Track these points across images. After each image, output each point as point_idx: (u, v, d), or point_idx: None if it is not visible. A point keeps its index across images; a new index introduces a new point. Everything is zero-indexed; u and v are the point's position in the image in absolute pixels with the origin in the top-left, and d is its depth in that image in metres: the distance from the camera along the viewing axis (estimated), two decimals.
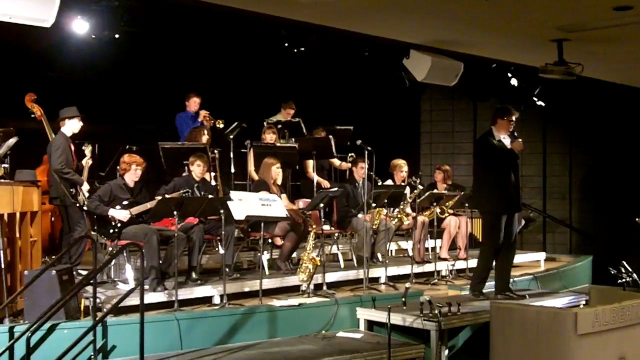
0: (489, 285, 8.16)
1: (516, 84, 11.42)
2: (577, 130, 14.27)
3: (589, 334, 4.50)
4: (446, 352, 6.94)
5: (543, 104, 12.36)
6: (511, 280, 8.37)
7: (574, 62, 8.91)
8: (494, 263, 8.07)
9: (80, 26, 8.62)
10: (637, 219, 8.46)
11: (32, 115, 8.34)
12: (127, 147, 8.84)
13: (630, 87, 12.52)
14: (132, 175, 7.64)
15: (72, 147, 7.96)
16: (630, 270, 7.55)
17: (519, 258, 10.92)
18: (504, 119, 7.90)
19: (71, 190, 7.69)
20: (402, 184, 9.94)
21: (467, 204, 9.66)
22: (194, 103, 10.15)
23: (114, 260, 7.52)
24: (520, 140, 7.90)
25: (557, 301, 8.07)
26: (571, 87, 10.93)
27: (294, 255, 8.74)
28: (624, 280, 7.49)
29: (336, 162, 11.02)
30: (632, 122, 13.94)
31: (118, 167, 8.02)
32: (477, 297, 7.93)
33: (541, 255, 11.51)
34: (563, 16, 7.90)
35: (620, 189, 13.91)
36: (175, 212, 6.99)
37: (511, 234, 7.98)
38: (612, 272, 7.69)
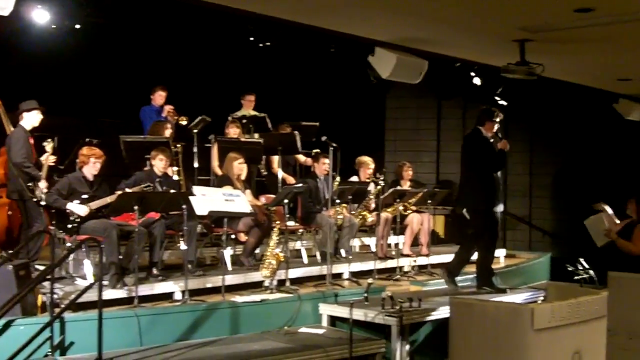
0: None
1: (479, 83, 11.51)
2: (538, 129, 14.44)
3: (546, 328, 4.56)
4: (407, 347, 6.99)
5: (505, 103, 12.46)
6: (471, 276, 8.49)
7: (535, 63, 9.01)
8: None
9: (40, 15, 8.49)
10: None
11: None
12: (88, 140, 8.72)
13: (590, 87, 12.69)
14: (91, 169, 7.54)
15: (32, 141, 7.84)
16: (587, 267, 7.67)
17: None
18: (492, 120, 8.09)
19: (29, 184, 7.56)
20: (367, 180, 9.99)
21: (429, 201, 9.72)
22: (159, 97, 10.06)
23: (72, 256, 7.41)
24: (505, 140, 8.13)
25: (516, 297, 8.19)
26: (532, 87, 11.04)
27: (258, 251, 8.73)
28: (581, 276, 7.61)
29: (301, 158, 11.03)
30: (591, 123, 14.15)
31: (77, 161, 7.91)
32: (492, 291, 8.07)
33: (501, 252, 11.62)
34: (525, 17, 7.98)
35: (579, 188, 14.12)
36: (136, 207, 6.92)
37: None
38: (570, 269, 7.81)
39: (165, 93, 10.09)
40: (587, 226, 8.94)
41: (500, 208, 8.15)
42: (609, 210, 8.85)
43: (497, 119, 8.11)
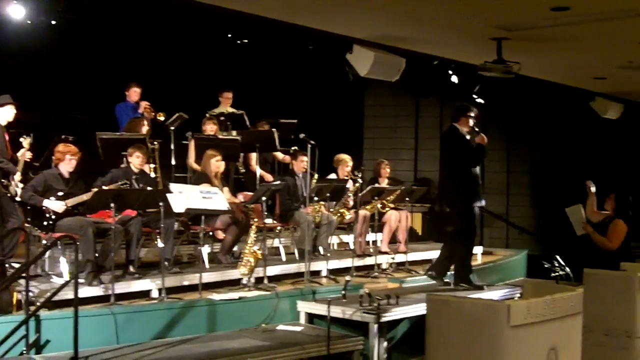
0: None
1: (457, 81, 11.55)
2: (515, 127, 14.53)
3: (522, 325, 4.59)
4: (385, 344, 7.01)
5: (482, 102, 12.52)
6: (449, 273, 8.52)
7: (512, 61, 9.06)
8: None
9: (16, 11, 8.42)
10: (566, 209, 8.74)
11: None
12: (63, 137, 8.65)
13: (567, 86, 12.79)
14: (67, 166, 7.47)
15: (7, 137, 7.75)
16: (563, 264, 7.74)
17: None
18: (466, 115, 8.11)
19: (2, 180, 7.47)
20: (345, 178, 9.99)
21: (407, 199, 9.75)
22: (134, 93, 9.98)
23: (48, 253, 7.34)
24: (482, 134, 8.13)
25: (492, 294, 8.23)
26: (510, 85, 11.11)
27: (236, 248, 8.70)
28: (557, 273, 7.67)
29: (279, 155, 11.01)
30: (568, 121, 14.27)
31: (53, 158, 7.84)
32: (470, 288, 8.09)
33: (479, 249, 11.68)
34: (502, 15, 8.02)
35: (556, 186, 14.23)
36: (112, 204, 6.88)
37: None
38: (546, 266, 7.87)
39: (140, 89, 10.01)
40: (568, 213, 8.97)
41: (481, 203, 8.19)
42: (593, 189, 8.89)
43: (472, 114, 8.13)
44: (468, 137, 8.14)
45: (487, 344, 4.63)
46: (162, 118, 9.85)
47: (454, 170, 8.15)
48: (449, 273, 8.36)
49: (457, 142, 8.09)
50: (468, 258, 8.33)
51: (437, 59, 10.86)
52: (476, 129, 8.10)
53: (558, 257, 7.77)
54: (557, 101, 13.72)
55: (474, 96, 12.30)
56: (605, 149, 14.81)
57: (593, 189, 8.89)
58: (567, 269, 7.67)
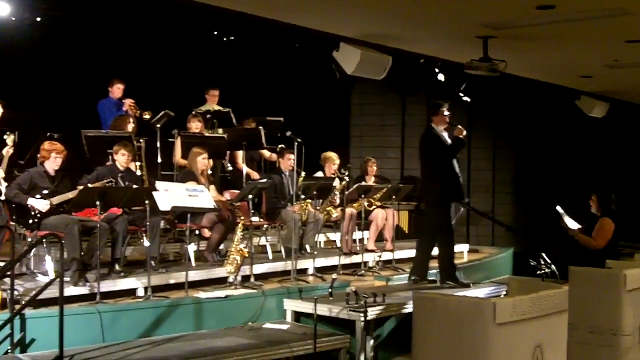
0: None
1: (443, 80, 11.58)
2: (501, 125, 14.56)
3: (507, 323, 4.59)
4: (371, 342, 7.02)
5: (469, 100, 12.55)
6: (434, 271, 8.55)
7: (498, 59, 9.09)
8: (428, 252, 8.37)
9: (0, 8, 8.35)
10: (557, 207, 8.72)
11: None
12: (49, 134, 8.60)
13: (552, 84, 12.84)
14: (52, 164, 7.43)
15: None
16: (549, 261, 7.74)
17: None
18: (437, 114, 8.17)
19: None
20: (332, 176, 10.00)
21: (394, 197, 9.76)
22: (117, 90, 9.91)
23: (33, 251, 7.31)
24: (459, 126, 8.22)
25: (478, 291, 8.27)
26: (496, 84, 11.14)
27: (222, 246, 8.69)
28: (543, 271, 7.68)
29: (266, 153, 11.01)
30: (554, 119, 14.32)
31: (38, 155, 7.79)
32: (456, 285, 8.14)
33: (465, 247, 11.74)
34: (488, 14, 8.05)
35: (541, 184, 14.29)
36: (98, 202, 6.84)
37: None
38: (532, 264, 7.88)
39: (123, 86, 9.94)
40: (559, 211, 8.96)
41: (464, 199, 8.25)
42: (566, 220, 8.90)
43: (444, 109, 8.20)
44: (446, 133, 8.19)
45: (473, 341, 4.64)
46: (147, 116, 9.81)
47: (431, 169, 8.21)
48: (434, 271, 8.39)
49: (430, 141, 8.17)
50: (451, 256, 8.37)
51: (423, 57, 10.88)
52: (453, 123, 8.18)
53: (544, 254, 7.78)
54: (543, 99, 13.77)
55: (461, 94, 12.34)
56: (591, 147, 14.89)
57: (566, 219, 8.84)
58: (553, 267, 7.68)
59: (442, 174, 8.16)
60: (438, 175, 8.19)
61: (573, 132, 14.55)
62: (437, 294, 5.65)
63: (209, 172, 9.12)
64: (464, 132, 8.22)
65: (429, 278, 8.42)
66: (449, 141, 8.26)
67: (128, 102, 9.83)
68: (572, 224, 8.80)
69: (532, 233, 13.79)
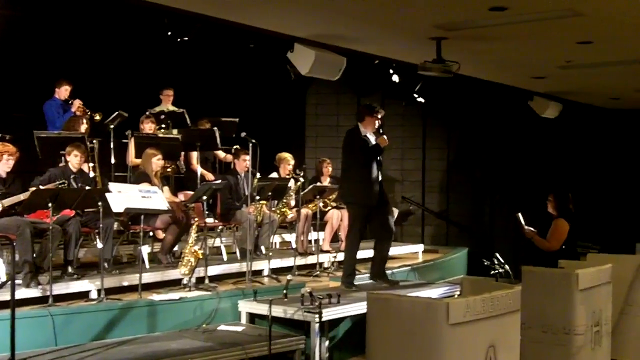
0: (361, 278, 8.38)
1: (398, 80, 11.65)
2: (455, 126, 14.71)
3: (461, 323, 4.64)
4: (326, 343, 7.04)
5: (423, 101, 12.66)
6: (390, 272, 8.58)
7: (451, 60, 9.17)
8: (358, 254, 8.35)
9: None
10: (517, 214, 8.76)
11: None
12: (0, 135, 8.46)
13: (506, 85, 13.00)
14: (4, 166, 7.30)
15: None
16: (502, 261, 7.83)
17: (398, 250, 11.22)
18: (372, 116, 8.19)
19: None
20: (287, 176, 9.99)
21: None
22: (64, 91, 9.66)
23: None
24: (384, 136, 8.18)
25: (432, 292, 8.33)
26: (450, 85, 11.25)
27: (176, 248, 8.63)
28: (496, 271, 7.76)
29: (221, 154, 10.96)
30: (507, 120, 14.51)
31: None
32: (350, 288, 8.10)
33: (419, 247, 11.83)
34: (441, 15, 8.11)
35: (495, 184, 14.47)
36: (50, 204, 6.75)
37: (385, 225, 8.28)
38: (486, 264, 7.96)
39: (70, 87, 9.73)
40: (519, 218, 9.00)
41: (374, 205, 8.18)
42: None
43: (379, 115, 8.22)
44: (372, 137, 8.19)
45: (426, 342, 4.68)
46: (98, 118, 9.67)
47: (348, 167, 8.24)
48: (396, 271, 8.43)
49: (354, 142, 8.17)
50: (353, 257, 8.34)
51: (378, 58, 10.93)
52: (380, 130, 8.20)
53: (498, 254, 7.87)
54: (496, 100, 13.94)
55: (415, 95, 12.45)
56: (544, 147, 15.11)
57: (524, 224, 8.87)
58: (507, 267, 7.77)
59: (357, 175, 8.11)
60: (354, 175, 8.16)
61: (527, 132, 14.75)
62: (390, 295, 5.68)
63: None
64: (387, 142, 8.17)
65: (390, 278, 8.46)
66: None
67: (76, 103, 9.64)
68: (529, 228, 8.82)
69: (486, 233, 13.96)
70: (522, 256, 8.51)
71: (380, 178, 8.24)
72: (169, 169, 9.74)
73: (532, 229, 8.52)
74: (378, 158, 8.20)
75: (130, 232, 8.77)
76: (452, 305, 4.63)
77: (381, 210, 8.28)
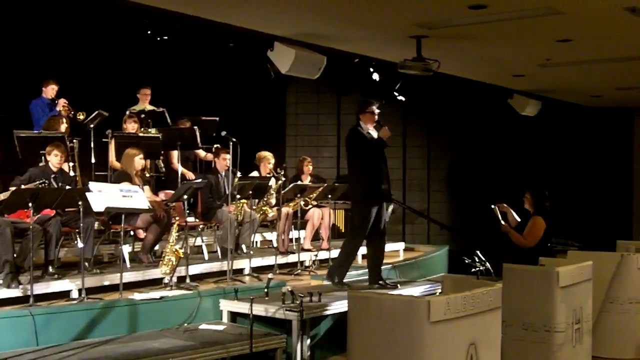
0: (351, 275, 8.36)
1: (378, 79, 11.67)
2: (435, 124, 14.78)
3: (442, 321, 4.64)
4: (308, 341, 7.05)
5: (403, 99, 12.70)
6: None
7: (431, 59, 9.20)
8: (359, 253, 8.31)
9: None
10: (492, 206, 8.81)
11: None
12: None
13: (486, 83, 13.06)
14: None
15: None
16: (483, 259, 7.85)
17: None
18: (366, 112, 8.17)
19: None
20: (268, 175, 9.99)
21: (330, 196, 9.81)
22: (51, 90, 9.68)
23: None
24: (386, 127, 8.19)
25: (413, 290, 8.37)
26: (430, 83, 11.29)
27: (157, 247, 8.61)
28: (477, 269, 7.78)
29: (201, 153, 10.94)
30: (487, 118, 14.59)
31: None
32: (334, 283, 8.12)
33: (400, 245, 11.87)
34: (421, 13, 8.13)
35: (476, 182, 14.55)
36: (30, 204, 6.72)
37: (380, 222, 8.27)
38: (467, 262, 7.98)
39: (57, 87, 9.74)
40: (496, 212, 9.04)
41: (388, 206, 8.20)
42: (512, 212, 8.97)
43: (373, 109, 8.24)
44: (374, 132, 8.22)
45: (407, 339, 4.69)
46: (81, 117, 9.64)
47: (356, 166, 8.24)
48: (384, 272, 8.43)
49: (356, 138, 8.19)
50: (350, 257, 8.35)
51: (358, 57, 10.94)
52: (380, 123, 8.23)
53: (478, 252, 7.89)
54: (476, 98, 14.01)
55: (395, 93, 12.48)
56: (524, 145, 15.20)
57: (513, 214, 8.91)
58: (488, 264, 7.80)
59: (366, 172, 8.11)
60: (362, 173, 8.14)
61: (507, 130, 14.83)
62: (371, 293, 5.70)
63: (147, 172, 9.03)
64: (389, 134, 8.21)
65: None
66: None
67: (61, 103, 9.63)
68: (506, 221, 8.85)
69: (467, 231, 14.03)
70: (502, 254, 8.53)
71: (387, 173, 8.25)
72: (147, 175, 9.70)
73: (504, 223, 8.58)
74: (383, 152, 8.21)
75: (111, 231, 8.74)
76: (433, 303, 4.64)
77: (381, 207, 8.25)
